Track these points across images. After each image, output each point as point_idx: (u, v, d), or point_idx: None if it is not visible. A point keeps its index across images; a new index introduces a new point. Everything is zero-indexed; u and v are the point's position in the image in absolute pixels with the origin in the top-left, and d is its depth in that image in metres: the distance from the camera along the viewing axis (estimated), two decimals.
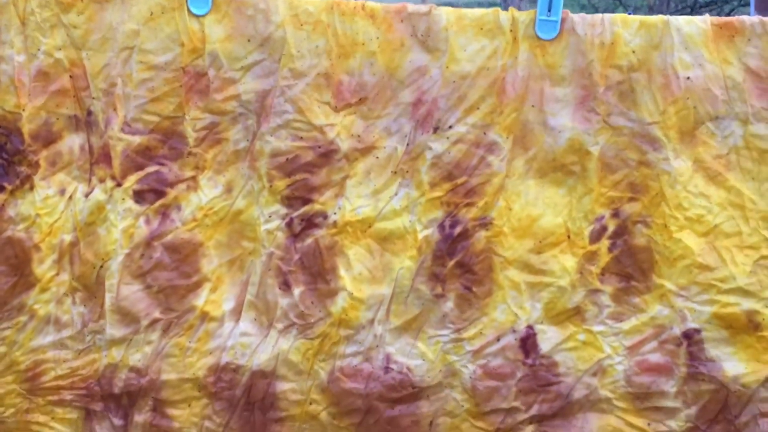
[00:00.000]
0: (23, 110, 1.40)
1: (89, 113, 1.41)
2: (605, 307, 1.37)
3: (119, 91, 1.40)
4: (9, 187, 1.41)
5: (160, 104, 1.40)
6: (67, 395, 1.43)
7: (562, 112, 1.36)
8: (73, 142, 1.42)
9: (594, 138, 1.35)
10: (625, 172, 1.36)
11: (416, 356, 1.39)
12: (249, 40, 1.38)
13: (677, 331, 1.36)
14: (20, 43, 1.40)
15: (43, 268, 1.41)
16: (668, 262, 1.35)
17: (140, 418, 1.42)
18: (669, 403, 1.36)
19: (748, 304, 1.34)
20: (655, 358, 1.36)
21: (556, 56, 1.36)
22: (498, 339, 1.38)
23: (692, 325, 1.35)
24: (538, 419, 1.38)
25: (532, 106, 1.36)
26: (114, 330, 1.41)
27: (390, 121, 1.38)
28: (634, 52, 1.34)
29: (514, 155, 1.37)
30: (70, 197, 1.41)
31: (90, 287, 1.42)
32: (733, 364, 1.35)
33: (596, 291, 1.36)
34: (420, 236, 1.38)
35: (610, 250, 1.36)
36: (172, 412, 1.42)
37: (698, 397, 1.36)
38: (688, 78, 1.34)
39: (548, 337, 1.37)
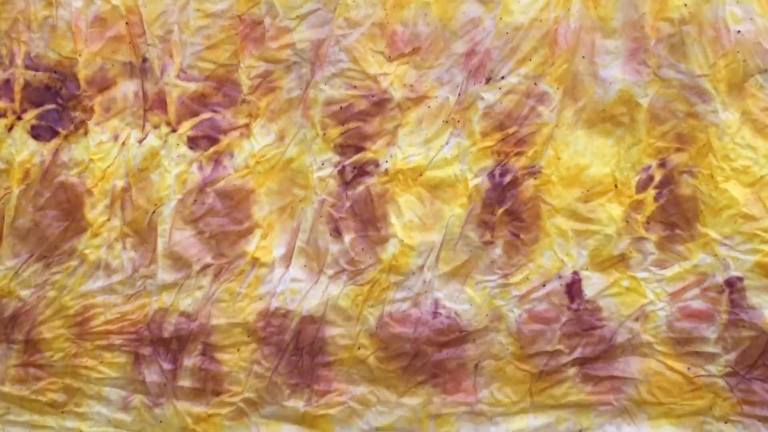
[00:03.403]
0: (79, 56, 1.43)
1: (144, 60, 1.43)
2: (649, 254, 1.39)
3: (176, 39, 1.42)
4: (63, 132, 1.44)
5: (215, 52, 1.43)
6: (116, 340, 1.45)
7: (613, 64, 1.39)
8: (127, 89, 1.44)
9: (644, 90, 1.38)
10: (673, 123, 1.38)
11: (464, 301, 1.42)
12: None
13: (719, 279, 1.38)
14: None
15: (94, 213, 1.44)
16: (713, 211, 1.38)
17: (189, 362, 1.44)
18: (709, 349, 1.39)
19: None
20: (697, 304, 1.39)
21: (608, 9, 1.38)
22: (544, 284, 1.41)
23: (735, 273, 1.38)
24: (581, 362, 1.41)
25: (583, 57, 1.39)
26: (165, 275, 1.43)
27: (442, 71, 1.41)
28: (685, 5, 1.37)
29: (564, 105, 1.40)
30: (123, 143, 1.43)
31: (141, 232, 1.44)
32: None
33: (641, 239, 1.39)
34: (470, 185, 1.40)
35: (656, 199, 1.39)
36: (221, 356, 1.44)
37: (738, 344, 1.39)
38: (739, 32, 1.36)
39: (593, 283, 1.40)
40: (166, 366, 1.45)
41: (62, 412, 1.47)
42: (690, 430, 1.41)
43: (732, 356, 1.39)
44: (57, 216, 1.45)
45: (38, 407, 1.47)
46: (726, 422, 1.40)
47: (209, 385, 1.45)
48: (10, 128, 1.44)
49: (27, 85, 1.43)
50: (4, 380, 1.47)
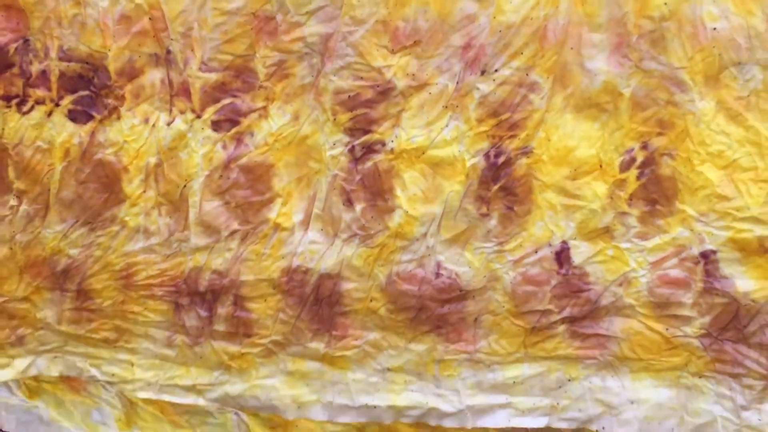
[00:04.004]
0: (109, 50, 1.54)
1: (168, 52, 1.54)
2: (632, 227, 1.51)
3: (196, 35, 1.53)
4: (98, 117, 1.57)
5: (233, 45, 1.53)
6: (158, 291, 1.63)
7: (598, 57, 1.47)
8: (154, 77, 1.56)
9: (626, 81, 1.46)
10: (655, 110, 1.47)
11: (463, 264, 1.55)
12: None
13: (695, 251, 1.50)
14: None
15: (131, 186, 1.59)
16: (690, 191, 1.48)
17: (223, 310, 1.61)
18: (685, 312, 1.52)
19: (760, 230, 1.47)
20: (675, 273, 1.51)
21: (594, 6, 1.46)
22: (536, 251, 1.54)
23: (709, 246, 1.49)
24: (570, 320, 1.55)
25: (571, 48, 1.47)
26: (198, 239, 1.59)
27: (442, 60, 1.50)
28: (665, 4, 1.44)
29: (554, 92, 1.49)
30: (153, 125, 1.56)
31: (175, 202, 1.59)
32: (744, 282, 1.49)
33: (624, 213, 1.51)
34: (468, 164, 1.52)
35: (638, 178, 1.49)
36: (250, 305, 1.61)
37: (712, 309, 1.51)
38: (715, 29, 1.43)
39: (580, 252, 1.53)
40: (203, 313, 1.62)
41: (114, 347, 1.66)
42: (668, 382, 1.55)
43: (706, 320, 1.52)
44: (97, 188, 1.60)
45: (93, 342, 1.67)
46: (700, 377, 1.53)
47: (241, 330, 1.62)
48: (50, 114, 1.57)
49: (62, 74, 1.55)
50: (60, 321, 1.66)
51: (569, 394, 1.57)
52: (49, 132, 1.57)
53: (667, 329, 1.53)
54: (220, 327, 1.62)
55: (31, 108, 1.56)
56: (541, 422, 1.57)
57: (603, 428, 1.56)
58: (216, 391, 1.64)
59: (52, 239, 1.62)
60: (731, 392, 1.53)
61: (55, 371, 1.69)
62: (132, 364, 1.66)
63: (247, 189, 1.58)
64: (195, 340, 1.64)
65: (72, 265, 1.63)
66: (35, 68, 1.55)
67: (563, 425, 1.57)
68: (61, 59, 1.55)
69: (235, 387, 1.64)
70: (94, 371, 1.67)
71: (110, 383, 1.68)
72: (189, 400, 1.66)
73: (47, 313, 1.66)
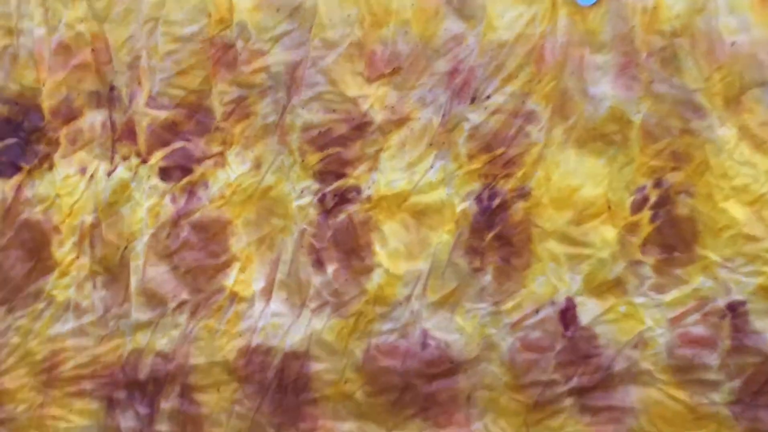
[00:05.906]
0: (43, 85, 1.39)
1: (111, 88, 1.39)
2: (647, 278, 1.35)
3: (144, 65, 1.38)
4: (26, 167, 1.40)
5: (186, 77, 1.38)
6: (88, 385, 1.41)
7: (603, 80, 1.34)
8: (94, 119, 1.40)
9: (636, 106, 1.33)
10: (668, 141, 1.34)
11: (454, 331, 1.37)
12: (278, 10, 1.37)
13: (721, 303, 1.33)
14: (40, 15, 1.39)
15: (62, 251, 1.40)
16: (712, 232, 1.33)
17: (167, 405, 1.40)
18: (712, 376, 1.34)
19: None
20: (698, 330, 1.34)
21: (596, 22, 1.34)
22: (537, 311, 1.36)
23: (737, 297, 1.33)
24: (578, 392, 1.36)
25: (572, 73, 1.34)
26: (140, 313, 1.39)
27: (425, 91, 1.37)
28: (677, 16, 1.33)
29: (553, 124, 1.35)
30: (92, 176, 1.39)
31: (113, 270, 1.40)
32: None
33: (638, 262, 1.34)
34: (458, 209, 1.36)
35: (652, 220, 1.34)
36: (200, 397, 1.40)
37: (742, 370, 1.34)
38: (734, 43, 1.32)
39: (588, 309, 1.36)
40: (143, 410, 1.41)
41: None
42: None
43: (736, 383, 1.34)
44: (21, 256, 1.41)
45: None
46: None
47: (189, 429, 1.41)
48: None
49: None
50: None
51: None
52: None
53: (691, 397, 1.35)
54: (163, 427, 1.40)
55: None
56: None
57: None
58: None
59: None
60: None
61: None
62: None
63: (200, 251, 1.40)
64: None
65: None
66: None
67: None
68: None
69: None
70: None
71: None
72: None
73: None
